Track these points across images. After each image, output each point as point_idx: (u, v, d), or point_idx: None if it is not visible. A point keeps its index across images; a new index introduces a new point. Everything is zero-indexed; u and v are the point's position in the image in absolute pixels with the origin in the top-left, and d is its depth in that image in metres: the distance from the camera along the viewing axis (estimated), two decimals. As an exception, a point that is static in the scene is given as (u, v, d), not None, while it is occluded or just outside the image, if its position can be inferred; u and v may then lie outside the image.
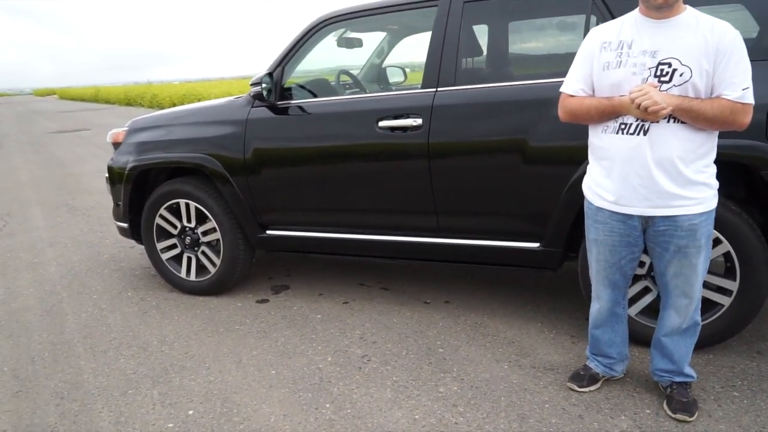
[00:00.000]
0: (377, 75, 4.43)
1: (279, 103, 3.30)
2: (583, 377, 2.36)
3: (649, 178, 1.97)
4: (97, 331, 3.26)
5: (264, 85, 3.20)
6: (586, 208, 2.22)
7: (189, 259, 3.70)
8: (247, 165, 3.34)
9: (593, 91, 2.07)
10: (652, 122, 1.92)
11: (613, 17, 2.47)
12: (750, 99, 1.85)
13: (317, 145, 3.21)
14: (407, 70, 4.83)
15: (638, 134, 1.96)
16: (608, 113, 2.02)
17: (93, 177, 8.35)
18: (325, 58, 4.27)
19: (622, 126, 2.00)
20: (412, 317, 3.17)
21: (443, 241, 3.00)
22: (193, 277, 3.69)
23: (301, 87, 3.55)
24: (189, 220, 3.63)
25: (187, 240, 3.67)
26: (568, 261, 2.84)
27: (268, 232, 3.46)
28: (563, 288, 3.35)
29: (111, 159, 3.87)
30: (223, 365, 2.78)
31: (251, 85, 3.25)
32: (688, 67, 1.87)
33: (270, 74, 3.26)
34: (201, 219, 3.61)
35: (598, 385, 2.36)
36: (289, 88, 3.43)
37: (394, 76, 4.62)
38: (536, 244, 2.79)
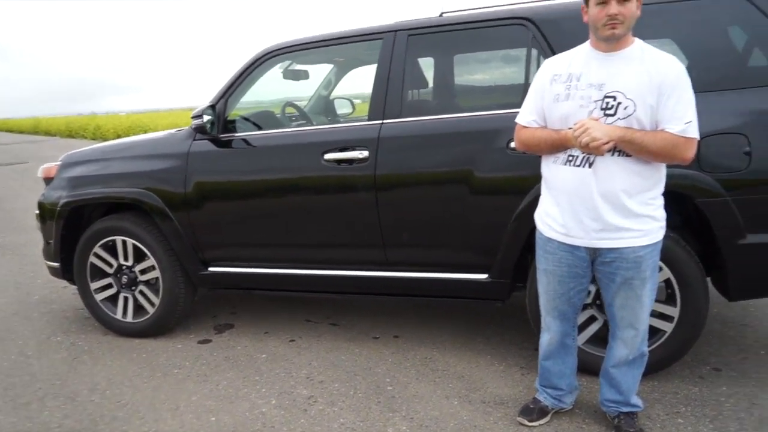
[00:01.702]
0: (325, 107, 4.41)
1: (222, 135, 3.21)
2: (533, 411, 2.33)
3: (594, 210, 1.98)
4: (20, 380, 3.01)
5: (206, 118, 3.11)
6: (537, 238, 2.22)
7: (125, 299, 3.50)
8: (189, 200, 3.22)
9: (545, 121, 2.08)
10: (597, 155, 1.94)
11: (553, 51, 2.55)
12: (693, 133, 1.88)
13: (262, 178, 3.13)
14: (356, 101, 4.85)
15: (584, 166, 1.98)
16: (557, 146, 2.03)
17: (26, 213, 7.91)
18: (273, 89, 4.24)
19: (570, 158, 2.01)
20: (360, 354, 3.08)
21: (391, 275, 2.95)
22: (129, 318, 3.49)
23: (245, 119, 3.48)
24: (126, 258, 3.45)
25: (124, 279, 3.48)
26: (517, 292, 2.84)
27: (211, 269, 3.32)
28: (513, 318, 3.34)
29: (42, 195, 3.66)
30: (159, 414, 2.60)
31: (192, 117, 3.16)
32: (632, 100, 1.90)
33: (212, 106, 3.18)
34: (139, 257, 3.43)
35: (548, 418, 2.33)
36: (233, 121, 3.36)
37: (342, 108, 4.62)
38: (484, 276, 2.77)
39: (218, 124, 3.19)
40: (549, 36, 2.65)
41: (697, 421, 2.28)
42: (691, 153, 1.90)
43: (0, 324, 3.83)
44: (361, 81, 4.42)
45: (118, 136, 21.33)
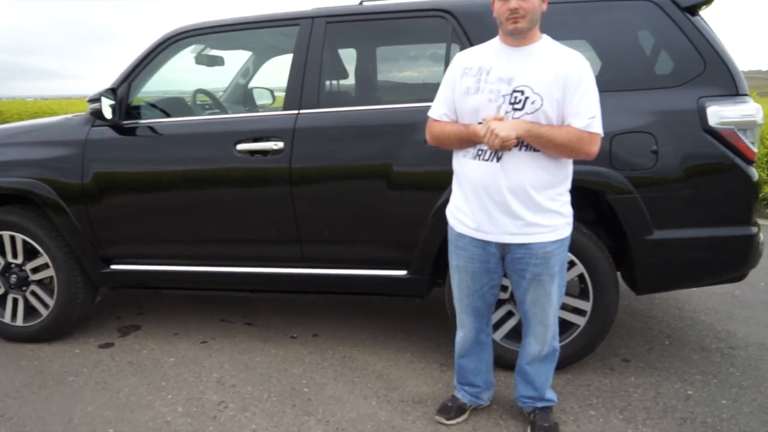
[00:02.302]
0: (243, 96, 4.20)
1: (125, 122, 2.96)
2: (451, 409, 2.29)
3: (504, 204, 1.97)
4: None
5: (105, 102, 2.85)
6: (449, 234, 2.19)
7: (15, 301, 3.17)
8: (86, 191, 2.95)
9: (456, 115, 2.05)
10: (505, 150, 1.93)
11: (472, 45, 2.52)
12: (596, 128, 1.90)
13: (169, 169, 2.92)
14: (278, 94, 4.67)
15: (492, 161, 1.96)
16: (466, 140, 2.01)
17: None
18: (189, 78, 3.99)
19: (480, 152, 1.99)
20: (276, 354, 2.95)
21: (308, 272, 2.83)
22: (19, 321, 3.16)
23: (152, 106, 3.23)
24: (15, 256, 3.12)
25: (13, 278, 3.15)
26: (437, 287, 2.81)
27: (113, 266, 3.07)
28: (434, 315, 3.31)
29: None
30: (48, 428, 2.35)
31: (89, 101, 2.89)
32: (539, 95, 1.90)
33: (113, 90, 2.93)
34: (30, 254, 3.11)
35: (466, 415, 2.30)
36: (138, 107, 3.11)
37: (261, 98, 4.43)
38: (403, 272, 2.72)
39: (120, 109, 2.94)
40: (469, 30, 2.62)
41: (608, 412, 2.33)
42: (595, 148, 1.93)
43: None
44: (279, 72, 4.26)
45: (21, 123, 19.71)
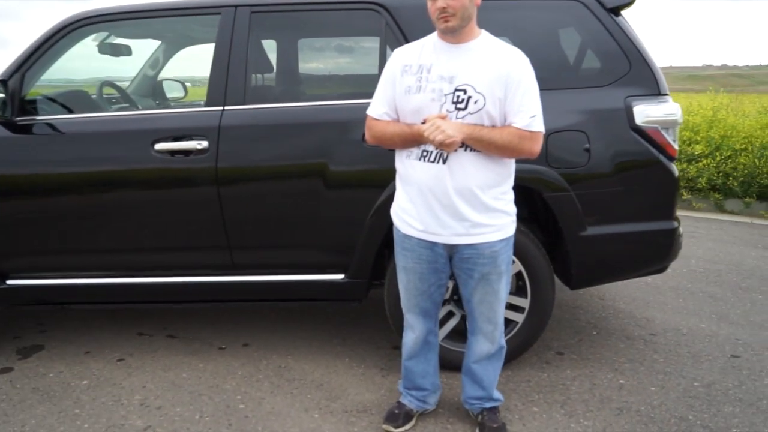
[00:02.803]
0: (152, 89, 3.90)
1: (18, 119, 2.62)
2: (398, 416, 2.23)
3: (451, 206, 1.93)
4: None
5: (-6, 96, 2.51)
6: (395, 235, 2.12)
7: None
8: (-26, 197, 2.58)
9: (398, 114, 1.97)
10: (449, 151, 1.89)
11: (407, 41, 2.45)
12: (537, 127, 1.90)
13: (74, 171, 2.62)
14: (188, 84, 4.37)
15: (438, 162, 1.92)
16: (410, 140, 1.95)
17: None
18: (90, 67, 3.63)
19: (424, 153, 1.94)
20: (205, 369, 2.74)
21: (239, 279, 2.65)
22: None
23: (51, 100, 2.89)
24: None
25: None
26: (373, 289, 2.73)
27: (9, 282, 2.71)
28: (369, 316, 3.24)
29: None
30: (-61, 475, 2.04)
31: (-26, 94, 2.52)
32: (481, 94, 1.86)
33: (3, 82, 2.58)
34: None
35: (413, 422, 2.25)
36: (33, 101, 2.77)
37: (173, 91, 4.13)
38: (341, 276, 2.62)
39: (12, 104, 2.59)
40: (402, 24, 2.55)
41: (550, 407, 2.37)
42: (537, 147, 1.93)
43: None
44: (190, 63, 3.98)
45: None
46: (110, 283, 2.71)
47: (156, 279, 2.69)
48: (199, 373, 2.70)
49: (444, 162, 1.91)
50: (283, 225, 2.57)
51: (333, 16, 2.71)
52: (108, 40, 3.27)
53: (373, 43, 2.81)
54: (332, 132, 2.50)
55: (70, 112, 2.93)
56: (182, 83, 4.27)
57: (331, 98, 2.82)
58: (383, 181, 2.44)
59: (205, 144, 2.50)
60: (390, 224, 2.42)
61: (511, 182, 2.03)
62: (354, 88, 3.13)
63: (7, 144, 2.63)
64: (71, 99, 3.09)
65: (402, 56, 1.99)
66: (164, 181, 2.57)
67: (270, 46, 3.06)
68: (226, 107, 2.56)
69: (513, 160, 2.01)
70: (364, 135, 2.39)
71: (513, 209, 2.04)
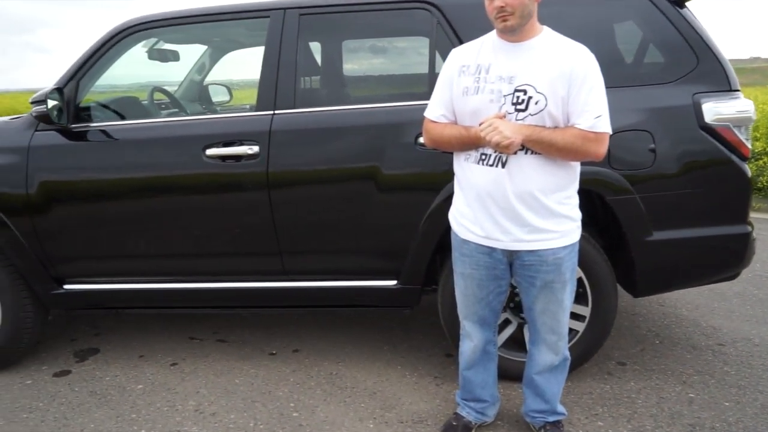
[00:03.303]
0: (198, 93, 3.92)
1: (73, 126, 2.66)
2: (456, 428, 2.17)
3: (511, 211, 1.85)
4: None
5: (51, 104, 2.54)
6: (453, 240, 2.05)
7: (-48, 329, 2.81)
8: (32, 203, 2.63)
9: (455, 116, 1.90)
10: (508, 154, 1.81)
11: (460, 40, 2.37)
12: (603, 128, 1.80)
13: (128, 177, 2.64)
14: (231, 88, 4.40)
15: (497, 166, 1.84)
16: (467, 143, 1.88)
17: None
18: (134, 72, 3.67)
19: (483, 156, 1.87)
20: (257, 375, 2.73)
21: (289, 285, 2.63)
22: (-43, 352, 2.81)
23: (104, 107, 2.93)
24: (-50, 278, 2.76)
25: (-51, 303, 2.79)
26: (425, 294, 2.66)
27: (66, 286, 2.76)
28: (419, 322, 3.18)
29: None
30: (4, 479, 2.07)
31: (32, 103, 2.56)
32: (542, 94, 1.78)
33: (59, 90, 2.61)
34: (-33, 276, 2.76)
35: (472, 434, 2.18)
36: (87, 108, 2.80)
37: (218, 95, 4.15)
38: (393, 282, 2.56)
39: (68, 111, 2.63)
40: (455, 23, 2.47)
41: (616, 422, 2.26)
42: (603, 149, 1.83)
43: None
44: (231, 66, 3.99)
45: (-62, 120, 18.20)
46: (162, 289, 2.72)
47: (207, 285, 2.69)
48: (251, 379, 2.69)
49: (503, 165, 1.83)
50: (334, 230, 2.53)
51: (382, 16, 2.65)
52: (157, 46, 3.30)
53: (422, 44, 2.75)
54: (384, 134, 2.44)
55: (123, 118, 2.96)
56: (227, 87, 4.30)
57: (378, 100, 2.76)
58: (437, 184, 2.38)
59: (255, 149, 2.48)
60: (444, 229, 2.37)
61: (575, 186, 1.93)
62: (402, 90, 3.06)
63: (63, 151, 2.67)
64: (123, 105, 3.12)
65: (459, 56, 1.92)
66: (215, 187, 2.56)
67: (315, 49, 3.03)
68: (276, 111, 2.53)
69: (578, 163, 1.91)
70: (417, 137, 2.37)
71: (578, 214, 1.94)
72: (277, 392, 2.57)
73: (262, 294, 2.67)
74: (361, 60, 3.16)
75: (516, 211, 1.84)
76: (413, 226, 2.45)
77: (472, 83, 1.85)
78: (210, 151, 2.52)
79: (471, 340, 2.13)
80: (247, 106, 3.89)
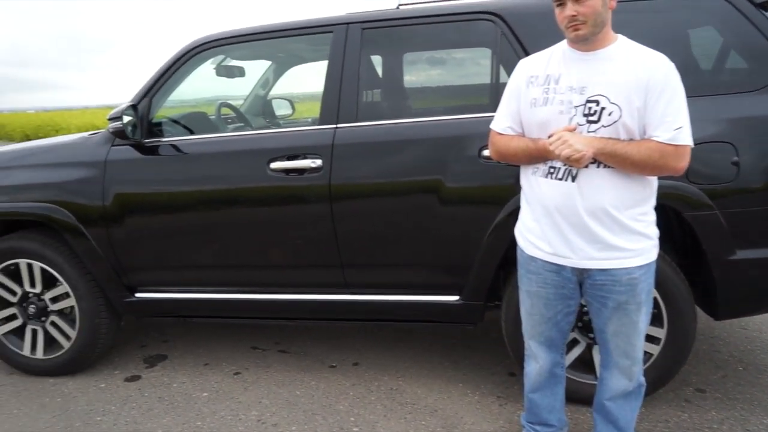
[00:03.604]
0: (262, 108, 4.02)
1: (146, 141, 2.77)
2: (521, 452, 2.09)
3: (582, 227, 1.77)
4: None
5: (127, 120, 2.66)
6: (519, 256, 1.98)
7: (34, 333, 2.98)
8: (108, 215, 2.76)
9: (523, 128, 1.85)
10: (579, 168, 1.73)
11: (525, 51, 2.31)
12: (684, 140, 1.69)
13: (196, 189, 2.72)
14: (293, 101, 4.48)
15: (567, 180, 1.76)
16: (535, 156, 1.82)
17: None
18: (200, 87, 3.80)
19: (551, 170, 1.80)
20: (318, 387, 2.74)
21: (350, 298, 2.62)
22: (40, 354, 2.97)
23: (174, 122, 3.04)
24: (33, 285, 2.93)
25: (31, 309, 2.96)
26: (488, 311, 2.60)
27: (138, 295, 2.87)
28: (480, 339, 3.10)
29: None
30: (78, 480, 2.16)
31: (109, 119, 2.69)
32: (617, 105, 1.69)
33: (134, 106, 2.73)
34: (49, 282, 2.92)
35: (538, 459, 2.09)
36: (159, 123, 2.92)
37: (281, 109, 4.24)
38: (455, 297, 2.51)
39: (141, 127, 2.74)
40: (520, 34, 2.41)
41: (695, 453, 2.12)
42: (683, 162, 1.71)
43: None
44: (292, 80, 4.07)
45: (27, 137, 19.58)
46: (226, 299, 2.78)
47: (270, 296, 2.73)
48: (312, 391, 2.70)
49: (573, 179, 1.76)
50: (396, 243, 2.51)
51: (444, 28, 2.62)
52: (224, 63, 3.41)
53: (483, 55, 2.70)
54: (447, 147, 2.40)
55: (192, 132, 3.06)
56: (289, 101, 4.38)
57: (440, 113, 2.73)
58: (502, 198, 2.32)
59: (318, 162, 2.50)
60: (509, 243, 2.31)
61: (652, 202, 1.82)
62: (464, 102, 3.02)
63: (137, 164, 2.78)
64: (192, 120, 3.23)
65: (528, 67, 1.87)
66: (279, 200, 2.60)
67: (376, 62, 3.04)
68: (339, 125, 2.55)
69: (654, 178, 1.81)
70: (480, 150, 2.33)
71: (655, 232, 1.84)
72: (338, 406, 2.56)
73: (324, 306, 2.68)
74: (422, 72, 3.14)
75: (587, 227, 1.76)
76: (476, 240, 2.39)
77: (541, 94, 1.79)
78: (274, 165, 2.56)
79: (537, 361, 2.05)
80: (309, 120, 3.96)
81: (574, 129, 1.72)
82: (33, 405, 2.72)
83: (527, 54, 2.28)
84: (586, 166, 1.73)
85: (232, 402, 2.65)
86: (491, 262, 2.40)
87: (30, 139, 16.99)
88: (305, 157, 2.53)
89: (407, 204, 2.47)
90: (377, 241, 2.53)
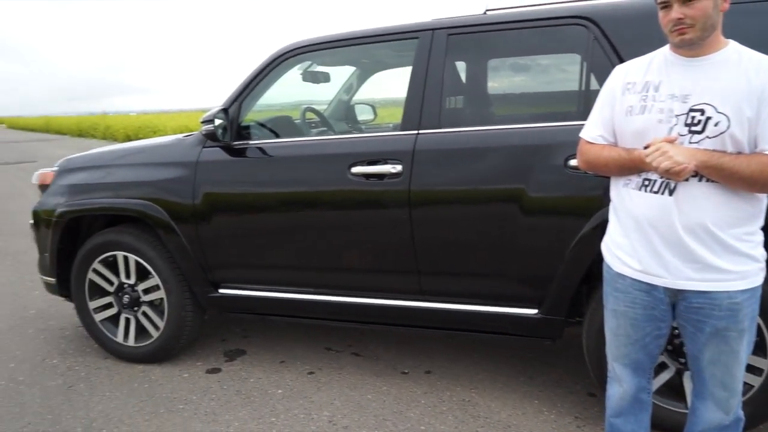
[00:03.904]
0: (345, 112, 4.08)
1: (235, 143, 2.89)
2: (601, 479, 1.97)
3: (678, 245, 1.64)
4: (8, 412, 2.69)
5: (218, 123, 2.79)
6: (605, 273, 1.88)
7: (127, 321, 3.18)
8: (197, 213, 2.89)
9: (616, 137, 1.75)
10: (679, 181, 1.61)
11: (619, 57, 2.21)
12: None
13: (279, 191, 2.80)
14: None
15: (663, 193, 1.64)
16: (628, 167, 1.71)
17: (30, 216, 7.64)
18: (287, 92, 3.92)
19: (646, 182, 1.68)
20: (389, 393, 2.73)
21: (425, 306, 2.60)
22: (131, 341, 3.17)
23: (261, 125, 3.15)
24: (128, 276, 3.13)
25: (126, 299, 3.16)
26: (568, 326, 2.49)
27: (221, 291, 2.99)
28: (557, 354, 2.99)
29: (38, 202, 3.36)
30: (161, 464, 2.27)
31: (202, 122, 2.83)
32: (724, 115, 1.56)
33: (225, 110, 2.86)
34: (142, 275, 3.11)
35: (619, 488, 1.97)
36: (247, 127, 3.03)
37: (363, 114, 4.29)
38: (534, 311, 2.43)
39: (231, 130, 2.86)
40: (615, 40, 2.30)
41: (800, 499, 1.92)
42: None
43: (-8, 343, 3.52)
44: (374, 86, 4.10)
45: (128, 137, 21.12)
46: (303, 299, 2.84)
47: (346, 299, 2.75)
48: (383, 397, 2.70)
49: (671, 193, 1.63)
50: (475, 252, 2.47)
51: (531, 33, 2.55)
52: (310, 69, 3.50)
53: (570, 61, 2.60)
54: (531, 156, 2.33)
55: (277, 136, 3.16)
56: (372, 106, 4.43)
57: (524, 120, 2.66)
58: (588, 209, 2.22)
59: (399, 168, 2.50)
60: (593, 258, 2.20)
61: (761, 220, 1.67)
62: (550, 110, 2.92)
63: (225, 166, 2.91)
64: (278, 124, 3.33)
65: (625, 73, 1.76)
66: (359, 204, 2.62)
67: (460, 68, 3.00)
68: (420, 131, 2.54)
69: (764, 195, 1.65)
70: (566, 160, 2.24)
71: (762, 253, 1.67)
72: (409, 413, 2.54)
73: (398, 312, 2.67)
74: (506, 78, 3.07)
75: (684, 245, 1.64)
76: (559, 252, 2.30)
77: (638, 102, 1.69)
78: (355, 169, 2.58)
79: (620, 384, 1.93)
80: (390, 125, 3.98)
81: (674, 140, 1.60)
82: (124, 389, 2.89)
83: (621, 61, 2.18)
84: (687, 179, 1.61)
85: (305, 401, 2.69)
86: (574, 275, 2.30)
87: (131, 140, 18.25)
88: (386, 163, 2.54)
89: (487, 213, 2.41)
90: (455, 250, 2.49)
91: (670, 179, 1.62)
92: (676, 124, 1.62)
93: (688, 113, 1.60)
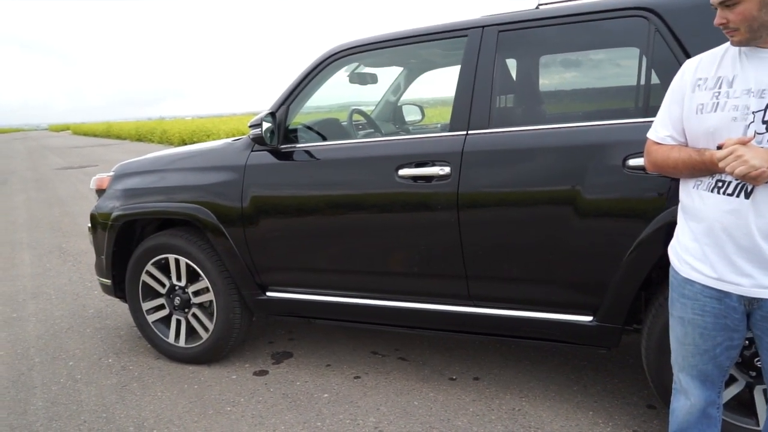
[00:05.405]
0: (393, 113, 4.04)
1: (282, 146, 2.89)
2: (663, 499, 1.85)
3: (753, 250, 1.51)
4: (66, 410, 2.78)
5: (265, 127, 2.80)
6: (672, 278, 1.76)
7: (178, 323, 3.24)
8: (245, 216, 2.91)
9: (686, 137, 1.64)
10: (757, 185, 1.48)
11: (685, 51, 2.07)
12: None
13: (326, 194, 2.78)
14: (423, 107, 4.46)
15: (738, 195, 1.52)
16: (699, 169, 1.59)
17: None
18: (334, 94, 3.91)
19: (719, 184, 1.56)
20: (436, 399, 2.67)
21: (474, 311, 2.52)
22: (182, 342, 3.23)
23: (308, 128, 3.14)
24: (179, 278, 3.19)
25: (177, 300, 3.22)
26: (625, 334, 2.36)
27: (268, 293, 3.00)
28: (613, 363, 2.84)
29: (95, 206, 3.47)
30: (209, 466, 2.28)
31: (250, 126, 2.85)
32: None
33: (272, 114, 2.87)
34: (192, 277, 3.16)
35: None
36: (294, 130, 3.03)
37: (411, 114, 4.24)
38: (589, 318, 2.31)
39: (278, 133, 2.87)
40: (679, 31, 2.16)
41: None
42: None
43: (54, 340, 3.66)
44: (421, 85, 4.04)
45: (183, 141, 21.81)
46: (349, 303, 2.81)
47: (392, 303, 2.71)
48: (430, 403, 2.63)
49: (747, 196, 1.51)
50: (527, 256, 2.37)
51: (586, 27, 2.43)
52: (357, 70, 3.47)
53: (628, 55, 2.47)
54: (587, 156, 2.22)
55: (324, 138, 3.15)
56: (420, 107, 4.37)
57: (577, 119, 2.54)
58: (648, 212, 2.09)
59: (447, 170, 2.44)
60: (654, 263, 2.08)
61: (843, 226, 1.52)
62: (606, 107, 2.79)
63: (273, 169, 2.91)
64: (325, 126, 3.32)
65: (694, 68, 1.64)
66: (406, 207, 2.57)
67: (511, 65, 2.91)
68: (469, 132, 2.46)
69: None
70: (625, 159, 2.12)
71: None
72: (456, 421, 2.47)
73: (446, 317, 2.60)
74: (558, 75, 2.96)
75: (761, 252, 1.51)
76: (616, 257, 2.18)
77: (710, 99, 1.57)
78: (402, 172, 2.54)
79: (687, 398, 1.80)
80: (438, 126, 3.91)
81: (749, 141, 1.47)
82: (174, 389, 2.94)
83: (686, 54, 2.05)
84: (766, 182, 1.48)
85: (351, 406, 2.66)
86: (632, 281, 2.17)
87: (186, 144, 18.79)
88: (433, 165, 2.48)
89: (540, 215, 2.32)
90: (506, 254, 2.40)
91: (747, 182, 1.50)
92: (752, 122, 1.49)
93: (766, 110, 1.48)
